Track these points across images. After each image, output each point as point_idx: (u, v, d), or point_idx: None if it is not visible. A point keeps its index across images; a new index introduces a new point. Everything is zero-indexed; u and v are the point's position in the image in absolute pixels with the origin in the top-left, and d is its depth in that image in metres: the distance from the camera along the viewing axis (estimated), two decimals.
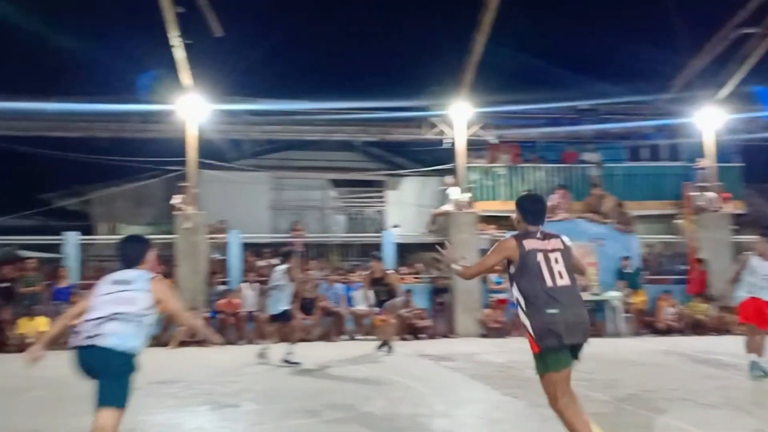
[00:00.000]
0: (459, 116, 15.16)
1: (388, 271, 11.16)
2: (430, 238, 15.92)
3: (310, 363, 9.42)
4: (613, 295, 13.87)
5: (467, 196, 15.01)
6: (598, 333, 13.61)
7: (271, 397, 6.93)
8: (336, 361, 9.68)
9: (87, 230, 16.08)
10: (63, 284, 12.83)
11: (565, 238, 4.35)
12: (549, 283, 4.08)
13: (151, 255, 4.67)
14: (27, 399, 7.09)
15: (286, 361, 9.14)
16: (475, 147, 16.65)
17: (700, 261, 14.85)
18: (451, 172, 15.73)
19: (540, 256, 4.14)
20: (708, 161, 15.85)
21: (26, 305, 12.29)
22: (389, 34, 16.08)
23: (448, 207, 15.07)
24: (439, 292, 14.12)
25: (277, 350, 9.40)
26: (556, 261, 4.16)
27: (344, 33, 16.98)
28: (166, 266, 13.95)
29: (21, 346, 11.72)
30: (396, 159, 18.96)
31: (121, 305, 4.20)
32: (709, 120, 15.69)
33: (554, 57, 15.65)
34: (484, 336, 13.55)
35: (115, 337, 4.08)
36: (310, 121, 15.87)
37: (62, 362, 9.96)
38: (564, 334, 4.02)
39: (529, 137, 17.35)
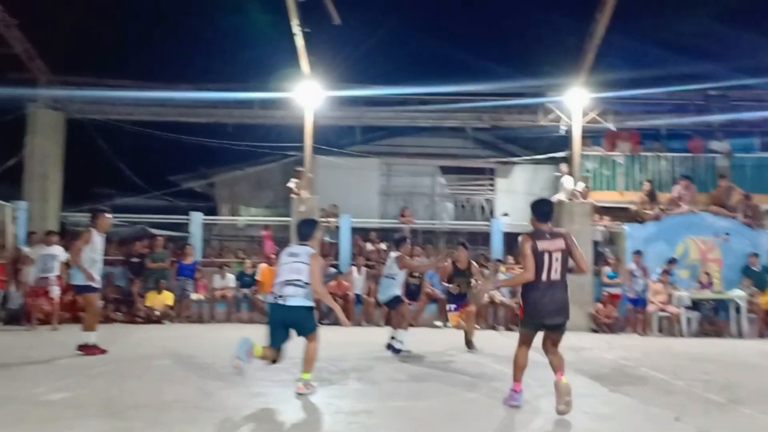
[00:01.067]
0: (576, 102, 14.69)
1: (472, 261, 10.26)
2: None
3: (415, 348, 9.54)
4: (738, 294, 12.99)
5: (582, 185, 14.54)
6: (719, 333, 12.85)
7: (376, 379, 7.11)
8: (440, 348, 9.74)
9: (211, 211, 17.08)
10: (187, 261, 13.71)
11: (570, 239, 5.55)
12: (544, 277, 5.41)
13: (318, 234, 6.27)
14: (154, 367, 7.68)
15: (391, 347, 9.00)
16: (592, 134, 16.11)
17: None
18: (566, 160, 15.30)
19: (546, 256, 5.40)
20: None
21: (154, 280, 13.25)
22: (505, 18, 15.75)
23: (561, 196, 14.68)
24: None
25: (384, 334, 9.56)
26: (556, 260, 5.41)
27: (460, 17, 16.82)
28: (281, 248, 14.61)
29: (149, 318, 12.74)
30: (507, 146, 18.67)
31: (293, 274, 5.89)
32: None
33: (681, 39, 14.71)
34: (594, 331, 13.14)
35: (292, 298, 5.86)
36: (423, 108, 15.95)
37: (185, 334, 10.69)
38: (544, 315, 5.52)
39: (652, 125, 16.51)
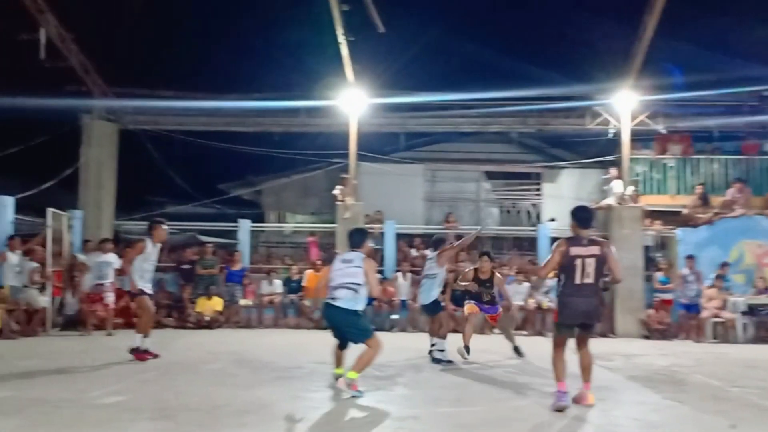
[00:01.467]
0: (625, 105, 14.43)
1: (496, 272, 9.69)
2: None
3: (459, 355, 9.49)
4: None
5: (631, 189, 14.26)
6: None
7: (422, 384, 7.11)
8: (489, 354, 9.67)
9: (258, 218, 17.35)
10: (236, 267, 13.96)
11: (608, 247, 5.86)
12: (578, 280, 5.71)
13: (368, 242, 6.74)
14: (204, 371, 7.84)
15: (432, 355, 8.81)
16: (642, 137, 15.79)
17: None
18: (615, 163, 15.03)
19: (578, 261, 5.71)
20: None
21: (204, 286, 13.53)
22: (552, 22, 15.57)
23: (609, 201, 14.42)
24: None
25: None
26: (589, 265, 5.70)
27: (505, 22, 16.69)
28: (327, 253, 14.73)
29: (199, 323, 13.01)
30: (554, 150, 18.42)
31: (347, 277, 6.31)
32: None
33: (733, 39, 14.30)
34: (645, 337, 12.85)
35: (343, 300, 6.26)
36: (466, 113, 15.89)
37: (234, 339, 10.87)
38: (576, 316, 5.82)
39: (704, 126, 16.06)
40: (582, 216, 5.93)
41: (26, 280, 11.34)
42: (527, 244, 15.39)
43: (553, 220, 16.31)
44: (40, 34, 13.48)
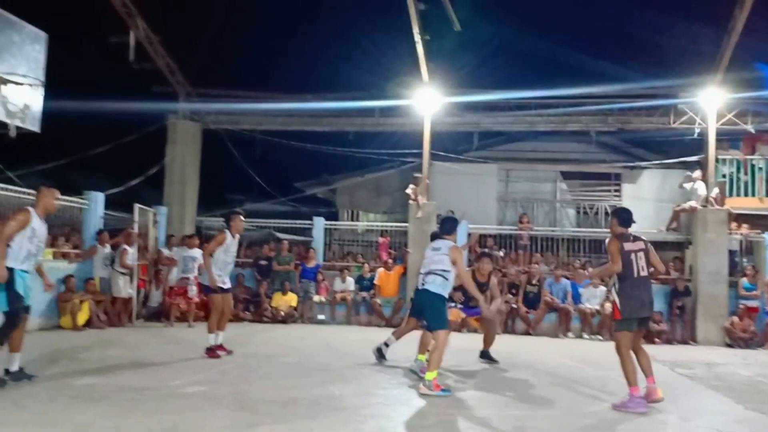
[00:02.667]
0: (711, 103, 13.83)
1: (492, 276, 9.02)
2: (671, 236, 14.82)
3: (534, 358, 9.38)
4: None
5: (716, 191, 13.66)
6: None
7: (494, 387, 7.07)
8: (561, 358, 9.51)
9: (332, 216, 17.65)
10: (310, 264, 14.24)
11: (647, 243, 6.25)
12: (635, 273, 6.04)
13: (457, 230, 7.07)
14: (279, 364, 8.06)
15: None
16: (729, 137, 15.10)
17: None
18: (699, 164, 14.45)
19: (632, 255, 6.07)
20: None
21: (280, 281, 13.87)
22: (634, 17, 15.08)
23: (693, 203, 13.86)
24: (679, 295, 13.05)
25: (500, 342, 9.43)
26: (641, 258, 6.10)
27: (583, 19, 16.29)
28: (398, 252, 14.84)
29: (274, 318, 13.36)
30: (635, 150, 17.86)
31: (434, 264, 6.65)
32: None
33: None
34: (728, 346, 12.29)
35: (432, 284, 6.59)
36: (543, 111, 15.63)
37: (308, 334, 11.10)
38: (640, 308, 6.06)
39: None
40: (625, 216, 6.43)
41: (117, 265, 11.93)
42: (605, 247, 14.97)
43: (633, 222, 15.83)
44: (129, 37, 14.17)
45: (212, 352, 8.29)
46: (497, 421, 5.44)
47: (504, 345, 10.48)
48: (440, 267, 6.63)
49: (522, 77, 15.30)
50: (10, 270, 6.00)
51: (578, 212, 18.14)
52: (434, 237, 8.51)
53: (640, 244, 6.19)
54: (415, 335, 7.78)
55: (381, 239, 15.49)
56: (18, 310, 6.09)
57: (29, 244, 6.20)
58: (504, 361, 8.78)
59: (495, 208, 17.80)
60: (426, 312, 6.81)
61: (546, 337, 12.50)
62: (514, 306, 12.99)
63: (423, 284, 6.74)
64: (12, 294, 6.02)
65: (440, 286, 6.60)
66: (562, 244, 15.33)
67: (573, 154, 18.10)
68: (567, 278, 13.19)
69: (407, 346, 8.71)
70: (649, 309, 6.23)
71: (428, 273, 6.68)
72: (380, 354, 8.27)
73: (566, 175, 18.17)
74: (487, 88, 15.11)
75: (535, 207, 17.88)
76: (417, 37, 13.36)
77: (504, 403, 6.28)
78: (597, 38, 16.29)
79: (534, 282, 13.23)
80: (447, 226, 7.10)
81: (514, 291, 13.18)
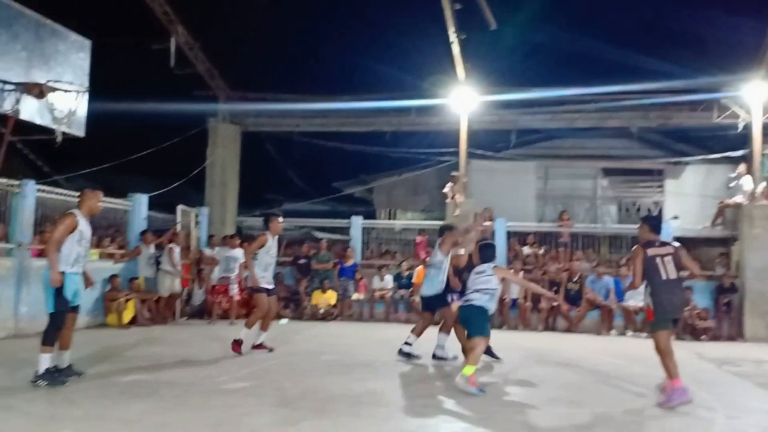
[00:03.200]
0: (756, 96, 13.46)
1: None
2: (716, 233, 14.46)
3: (577, 355, 9.27)
4: None
5: (763, 186, 13.29)
6: None
7: (536, 384, 7.01)
8: (604, 356, 9.38)
9: (370, 215, 17.71)
10: (349, 263, 14.33)
11: (680, 249, 6.45)
12: (664, 276, 6.20)
13: (495, 252, 7.42)
14: (320, 362, 8.13)
15: (401, 352, 8.31)
16: None
17: None
18: (744, 159, 14.06)
19: (658, 259, 6.26)
20: None
21: (319, 280, 14.00)
22: (676, 8, 14.79)
23: (738, 199, 13.50)
24: (725, 292, 12.73)
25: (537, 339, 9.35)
26: (668, 262, 6.26)
27: (622, 13, 16.04)
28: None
29: (314, 315, 13.49)
30: (677, 145, 17.48)
31: (482, 284, 6.97)
32: None
33: None
34: None
35: (479, 300, 6.89)
36: (582, 108, 15.43)
37: (347, 331, 11.15)
38: (672, 309, 6.31)
39: None
40: (654, 223, 6.81)
41: (165, 264, 12.20)
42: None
43: (675, 218, 15.50)
44: (170, 43, 14.47)
45: (237, 345, 8.30)
46: (539, 418, 5.41)
47: (545, 343, 10.40)
48: (488, 286, 6.96)
49: (560, 74, 15.14)
50: (62, 274, 6.20)
51: (620, 209, 17.84)
52: (443, 231, 8.63)
53: (668, 249, 6.40)
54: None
55: (419, 238, 15.47)
56: (63, 312, 6.27)
57: (78, 247, 6.40)
58: (546, 358, 8.71)
59: (534, 206, 17.62)
60: (469, 322, 7.00)
61: (588, 335, 12.34)
62: (555, 304, 12.85)
63: (467, 300, 6.98)
64: (60, 298, 6.22)
65: (487, 301, 6.91)
66: (604, 242, 15.09)
67: (614, 150, 17.80)
68: (610, 275, 12.99)
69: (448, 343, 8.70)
70: (680, 310, 6.75)
71: (474, 291, 6.98)
72: (407, 355, 8.25)
73: (607, 172, 17.89)
74: (525, 86, 14.98)
75: (575, 204, 17.64)
76: (452, 37, 13.33)
77: (546, 400, 6.22)
78: (637, 33, 16.04)
79: (575, 279, 13.07)
80: (488, 253, 7.29)
81: (555, 288, 13.03)
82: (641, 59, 14.09)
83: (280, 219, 9.08)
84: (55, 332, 6.22)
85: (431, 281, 8.43)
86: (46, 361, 6.12)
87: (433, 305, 8.46)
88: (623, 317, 12.61)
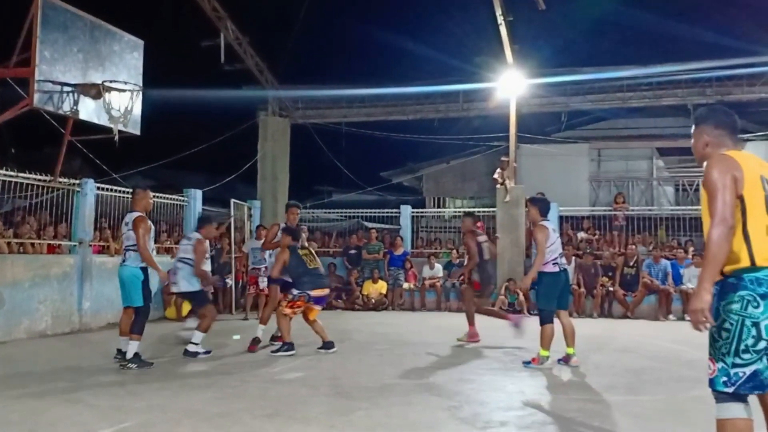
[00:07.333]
0: None
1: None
2: None
3: (635, 341, 9.07)
4: None
5: None
6: None
7: (593, 371, 6.88)
8: (663, 341, 9.15)
9: (418, 204, 17.69)
10: (398, 252, 14.36)
11: None
12: None
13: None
14: (373, 351, 8.19)
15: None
16: None
17: None
18: None
19: None
20: None
21: (370, 269, 14.07)
22: None
23: None
24: None
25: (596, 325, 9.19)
26: None
27: None
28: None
29: (365, 305, 13.57)
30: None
31: (561, 248, 7.15)
32: None
33: None
34: None
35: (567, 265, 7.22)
36: (636, 86, 15.01)
37: (399, 321, 11.12)
38: None
39: None
40: None
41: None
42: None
43: None
44: (220, 39, 14.71)
45: (253, 345, 8.11)
46: (597, 405, 5.31)
47: (602, 329, 10.19)
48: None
49: (612, 52, 14.78)
50: (144, 269, 6.86)
51: (677, 189, 17.33)
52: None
53: None
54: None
55: (479, 223, 15.35)
56: (149, 305, 6.96)
57: (152, 243, 7.08)
58: (603, 345, 8.55)
59: (587, 189, 17.29)
60: (565, 292, 7.19)
61: (645, 320, 12.06)
62: (611, 289, 12.60)
63: (558, 264, 7.03)
64: (147, 291, 6.92)
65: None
66: (661, 224, 14.69)
67: (669, 129, 17.30)
68: (667, 258, 12.64)
69: (498, 331, 8.64)
70: None
71: (562, 254, 7.16)
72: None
73: (663, 152, 17.39)
74: (577, 66, 14.66)
75: (631, 186, 17.21)
76: (500, 19, 13.14)
77: (604, 386, 6.10)
78: (691, 4, 15.47)
79: (631, 264, 12.78)
80: (546, 206, 7.35)
81: (610, 273, 12.78)
82: (697, 32, 13.62)
83: (297, 209, 8.74)
84: (144, 322, 6.86)
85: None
86: (134, 347, 6.73)
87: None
88: (682, 301, 12.26)
